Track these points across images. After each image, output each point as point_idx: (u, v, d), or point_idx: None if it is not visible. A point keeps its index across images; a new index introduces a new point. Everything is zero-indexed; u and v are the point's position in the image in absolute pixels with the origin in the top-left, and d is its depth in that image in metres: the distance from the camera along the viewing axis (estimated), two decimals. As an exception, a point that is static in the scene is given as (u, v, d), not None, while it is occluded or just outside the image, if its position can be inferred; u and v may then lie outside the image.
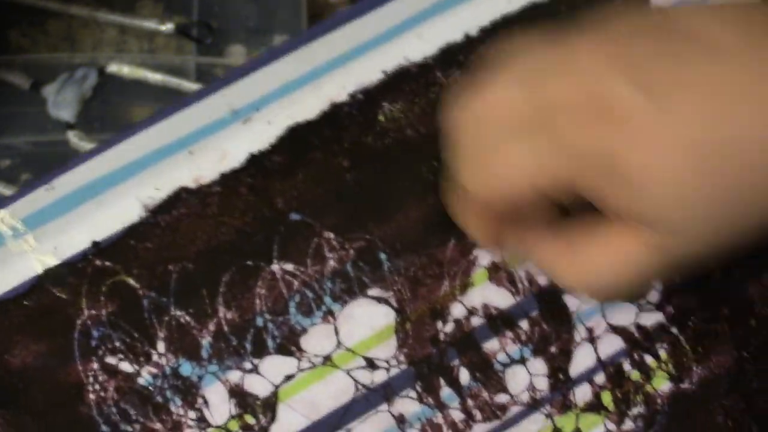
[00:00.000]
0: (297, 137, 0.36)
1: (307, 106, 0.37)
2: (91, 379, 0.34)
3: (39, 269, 0.35)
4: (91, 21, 0.46)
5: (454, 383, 0.34)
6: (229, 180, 0.36)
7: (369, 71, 0.37)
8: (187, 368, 0.34)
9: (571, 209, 0.27)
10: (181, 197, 0.35)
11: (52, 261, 0.35)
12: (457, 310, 0.35)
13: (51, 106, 0.44)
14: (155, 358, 0.34)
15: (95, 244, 0.35)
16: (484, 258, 0.35)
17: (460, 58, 0.37)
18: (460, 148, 0.28)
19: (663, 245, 0.25)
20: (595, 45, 0.25)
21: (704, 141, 0.24)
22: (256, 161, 0.36)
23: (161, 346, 0.34)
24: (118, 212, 0.35)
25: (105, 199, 0.35)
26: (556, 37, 0.27)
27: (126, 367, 0.34)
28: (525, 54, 0.27)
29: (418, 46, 0.37)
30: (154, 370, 0.34)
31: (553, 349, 0.34)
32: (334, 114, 0.36)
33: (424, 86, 0.37)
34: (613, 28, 0.26)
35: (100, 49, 0.46)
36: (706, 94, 0.24)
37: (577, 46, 0.25)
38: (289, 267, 0.35)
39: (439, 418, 0.33)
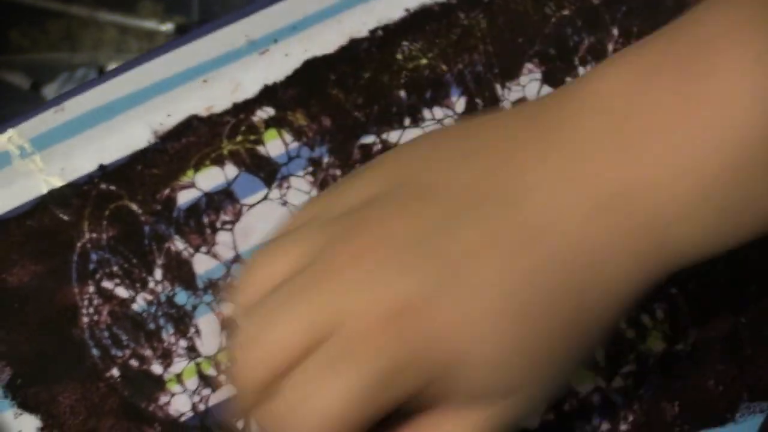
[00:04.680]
0: (313, 71, 0.36)
1: (326, 41, 0.36)
2: (86, 303, 0.34)
3: (44, 190, 0.35)
4: (91, 21, 0.46)
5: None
6: (240, 110, 0.36)
7: (391, 8, 0.37)
8: (182, 297, 0.34)
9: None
10: (191, 125, 0.35)
11: (58, 182, 0.35)
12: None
13: (51, 106, 0.44)
14: (151, 285, 0.34)
15: (102, 167, 0.35)
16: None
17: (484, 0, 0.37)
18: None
19: (500, 410, 0.25)
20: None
21: (511, 300, 0.23)
22: (269, 93, 0.36)
23: (158, 274, 0.34)
24: (127, 137, 0.35)
25: (115, 123, 0.35)
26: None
27: (121, 292, 0.34)
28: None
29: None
30: (149, 297, 0.34)
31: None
32: (353, 50, 0.36)
33: (446, 27, 0.36)
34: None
35: (100, 49, 0.45)
36: (494, 254, 0.23)
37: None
38: (294, 202, 0.35)
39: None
